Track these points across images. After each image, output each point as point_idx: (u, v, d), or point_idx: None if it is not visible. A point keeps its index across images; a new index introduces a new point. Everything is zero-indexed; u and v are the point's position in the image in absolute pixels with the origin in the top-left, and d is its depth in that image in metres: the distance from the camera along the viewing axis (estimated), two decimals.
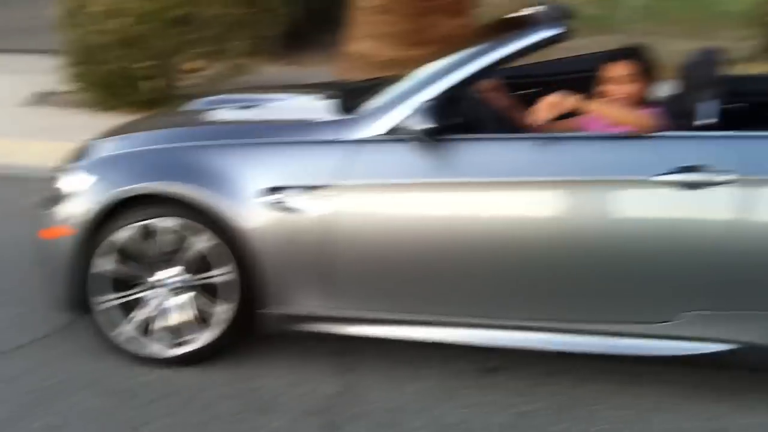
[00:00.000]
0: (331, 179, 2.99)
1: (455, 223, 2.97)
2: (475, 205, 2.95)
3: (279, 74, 7.75)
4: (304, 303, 3.09)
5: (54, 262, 3.21)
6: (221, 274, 3.10)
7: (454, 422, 2.94)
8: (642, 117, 2.98)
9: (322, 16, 9.21)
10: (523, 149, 2.95)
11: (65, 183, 3.25)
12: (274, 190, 3.01)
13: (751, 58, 9.00)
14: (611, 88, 3.25)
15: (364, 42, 6.77)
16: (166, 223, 3.08)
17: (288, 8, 8.24)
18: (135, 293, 3.19)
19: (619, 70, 3.25)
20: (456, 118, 2.97)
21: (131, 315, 3.19)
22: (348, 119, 3.15)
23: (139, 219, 3.09)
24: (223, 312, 3.14)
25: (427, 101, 2.96)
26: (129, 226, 3.09)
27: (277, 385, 3.16)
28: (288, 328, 3.16)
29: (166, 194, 3.08)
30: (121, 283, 3.17)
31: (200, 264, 3.11)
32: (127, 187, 3.08)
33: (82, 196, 3.15)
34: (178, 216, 3.07)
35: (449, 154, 2.94)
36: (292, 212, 3.00)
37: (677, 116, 3.07)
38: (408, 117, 2.96)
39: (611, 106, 3.10)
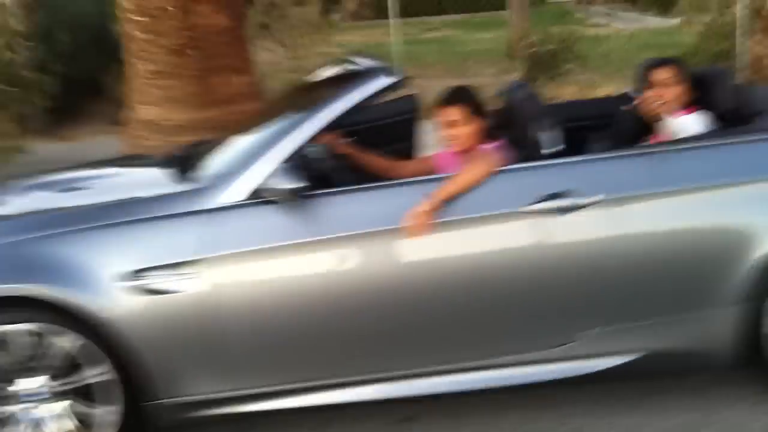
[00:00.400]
0: (197, 253, 2.73)
1: (332, 280, 2.80)
2: (349, 260, 2.80)
3: (57, 152, 7.09)
4: (195, 388, 2.81)
5: None
6: (96, 375, 2.74)
7: None
8: (485, 163, 2.96)
9: (87, 86, 8.65)
10: (381, 197, 2.89)
11: None
12: (137, 273, 2.71)
13: None
14: (452, 133, 3.21)
15: (149, 108, 6.36)
16: (18, 328, 2.68)
17: (48, 81, 7.63)
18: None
19: (453, 114, 3.22)
20: (314, 174, 2.86)
21: None
22: (200, 187, 2.89)
23: None
24: (107, 414, 2.76)
25: (288, 160, 2.80)
26: None
27: None
28: (184, 417, 2.84)
29: (12, 296, 2.67)
30: None
31: (69, 367, 2.73)
32: None
33: None
34: (32, 320, 2.68)
35: (316, 211, 2.79)
36: (162, 294, 2.71)
37: (522, 148, 3.11)
38: (269, 177, 2.78)
39: (460, 178, 2.94)
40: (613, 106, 3.60)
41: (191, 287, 2.71)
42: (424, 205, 2.80)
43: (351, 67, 3.31)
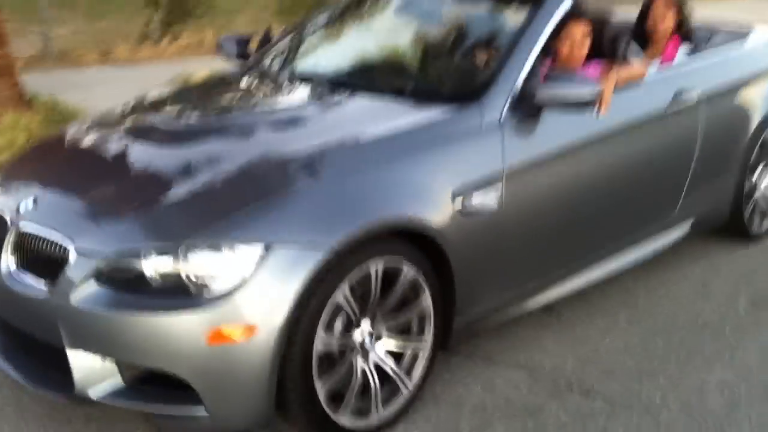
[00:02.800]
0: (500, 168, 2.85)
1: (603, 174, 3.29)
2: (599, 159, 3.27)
3: None
4: (489, 299, 2.97)
5: None
6: (427, 303, 2.71)
7: None
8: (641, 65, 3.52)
9: None
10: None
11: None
12: (459, 192, 2.73)
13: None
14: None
15: None
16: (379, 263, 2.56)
17: None
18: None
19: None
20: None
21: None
22: (472, 105, 2.92)
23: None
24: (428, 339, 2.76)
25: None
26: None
27: None
28: (472, 329, 2.99)
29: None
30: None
31: (410, 299, 2.68)
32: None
33: None
34: (389, 252, 2.57)
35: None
36: (478, 211, 2.78)
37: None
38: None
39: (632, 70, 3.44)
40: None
41: (498, 201, 2.81)
42: (609, 84, 3.14)
43: None
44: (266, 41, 4.00)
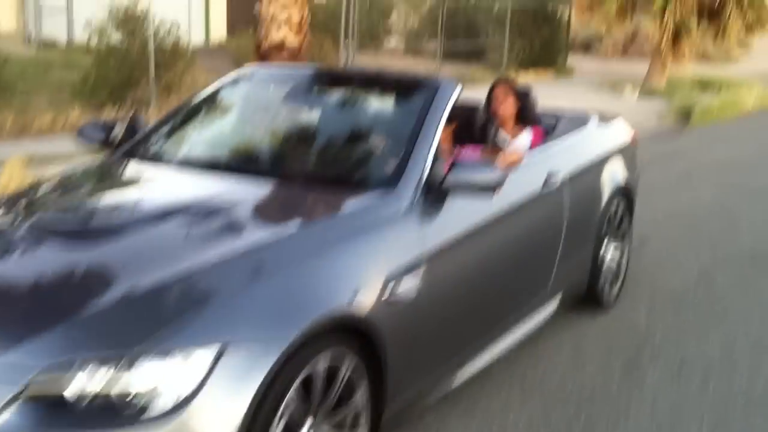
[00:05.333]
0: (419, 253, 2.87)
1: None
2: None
3: None
4: (416, 384, 2.95)
5: None
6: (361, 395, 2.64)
7: None
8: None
9: None
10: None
11: None
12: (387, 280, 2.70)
13: None
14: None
15: None
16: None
17: None
18: None
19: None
20: None
21: None
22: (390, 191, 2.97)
23: None
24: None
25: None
26: None
27: None
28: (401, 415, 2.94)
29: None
30: None
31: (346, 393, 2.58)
32: None
33: None
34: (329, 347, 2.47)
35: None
36: (403, 299, 2.76)
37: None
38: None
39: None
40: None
41: (421, 286, 2.80)
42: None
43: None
44: (133, 128, 3.78)
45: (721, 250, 5.89)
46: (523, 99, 4.37)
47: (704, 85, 16.77)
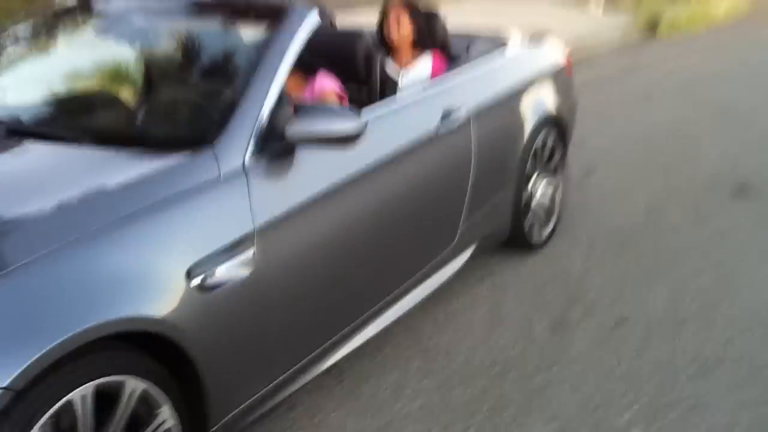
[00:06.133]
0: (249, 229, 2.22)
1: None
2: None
3: None
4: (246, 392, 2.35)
5: None
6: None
7: None
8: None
9: None
10: None
11: None
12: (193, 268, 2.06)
13: None
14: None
15: None
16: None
17: None
18: None
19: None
20: None
21: None
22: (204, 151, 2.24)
23: None
24: None
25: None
26: None
27: None
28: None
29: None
30: None
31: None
32: None
33: None
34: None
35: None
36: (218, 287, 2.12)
37: None
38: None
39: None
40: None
41: (251, 268, 2.19)
42: None
43: None
44: None
45: (675, 179, 5.28)
46: (427, 21, 3.68)
47: None
